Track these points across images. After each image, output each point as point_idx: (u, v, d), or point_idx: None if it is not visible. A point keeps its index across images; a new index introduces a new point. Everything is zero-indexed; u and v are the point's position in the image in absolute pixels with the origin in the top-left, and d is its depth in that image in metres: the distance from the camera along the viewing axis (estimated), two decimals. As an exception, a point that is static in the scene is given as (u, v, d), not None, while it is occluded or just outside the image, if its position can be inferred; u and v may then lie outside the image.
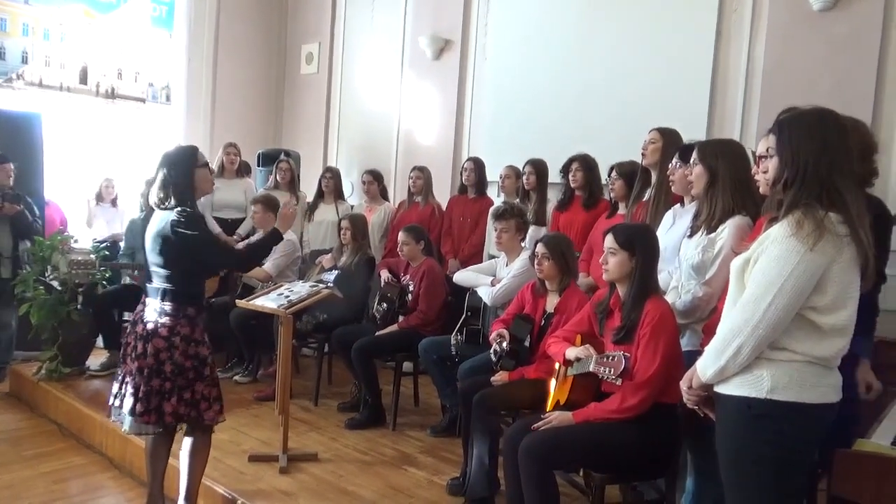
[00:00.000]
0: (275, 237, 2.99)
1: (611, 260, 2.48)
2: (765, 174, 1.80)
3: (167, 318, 2.65)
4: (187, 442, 2.76)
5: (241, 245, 4.89)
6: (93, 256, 4.59)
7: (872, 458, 1.80)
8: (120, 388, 2.72)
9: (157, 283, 2.69)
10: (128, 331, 2.76)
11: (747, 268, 1.71)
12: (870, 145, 2.27)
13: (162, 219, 2.67)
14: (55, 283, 4.52)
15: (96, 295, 4.68)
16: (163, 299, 2.65)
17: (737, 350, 1.67)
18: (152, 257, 2.70)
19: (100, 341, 4.87)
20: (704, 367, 1.76)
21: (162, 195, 2.67)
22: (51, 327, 4.51)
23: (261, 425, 3.87)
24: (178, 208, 2.65)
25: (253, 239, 4.97)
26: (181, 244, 2.62)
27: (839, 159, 1.66)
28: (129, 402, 2.64)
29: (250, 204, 4.99)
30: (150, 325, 2.65)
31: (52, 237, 4.67)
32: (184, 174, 2.70)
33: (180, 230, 2.61)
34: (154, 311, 2.66)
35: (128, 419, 2.67)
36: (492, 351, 3.09)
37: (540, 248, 3.14)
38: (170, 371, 2.64)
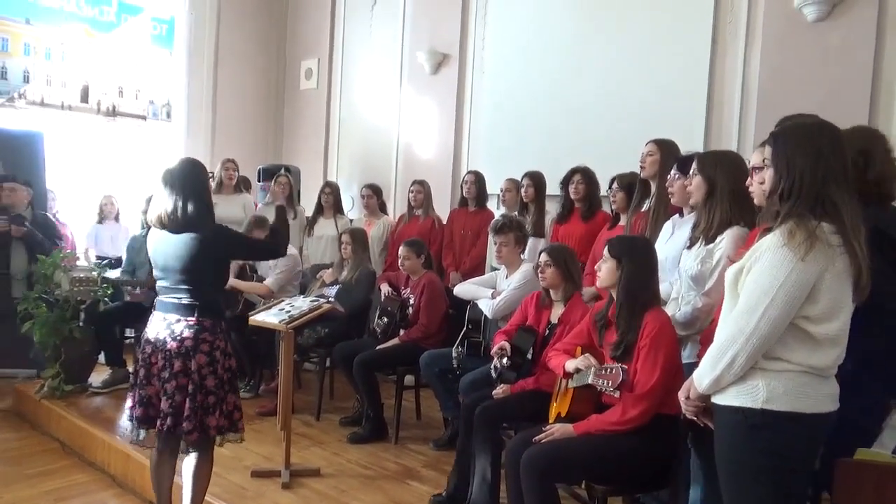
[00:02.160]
0: (280, 211, 3.17)
1: (603, 267, 2.55)
2: (761, 184, 1.81)
3: (206, 333, 2.64)
4: (191, 458, 2.73)
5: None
6: (94, 273, 4.61)
7: (873, 466, 1.80)
8: (146, 412, 2.65)
9: (188, 299, 2.65)
10: (148, 351, 2.69)
11: (741, 277, 1.72)
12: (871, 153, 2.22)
13: (191, 240, 2.62)
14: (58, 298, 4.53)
15: (98, 312, 4.69)
16: (199, 316, 2.64)
17: (731, 360, 1.68)
18: (184, 277, 2.64)
19: (102, 358, 4.89)
20: (700, 378, 1.77)
21: (177, 216, 2.61)
22: (53, 345, 4.52)
23: (263, 440, 3.87)
24: (208, 225, 2.66)
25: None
26: (226, 256, 2.74)
27: (834, 170, 1.67)
28: (168, 422, 2.60)
29: (250, 228, 4.99)
30: (188, 342, 2.61)
31: (53, 255, 4.69)
32: (204, 190, 2.72)
33: (225, 244, 2.72)
34: (188, 327, 2.62)
35: (168, 439, 2.65)
36: (492, 367, 3.09)
37: (543, 257, 3.16)
38: (213, 385, 2.64)
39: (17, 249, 4.84)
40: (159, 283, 2.76)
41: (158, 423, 2.63)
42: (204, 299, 2.67)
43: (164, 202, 2.64)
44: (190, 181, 2.67)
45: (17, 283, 4.81)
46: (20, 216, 4.81)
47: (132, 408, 2.70)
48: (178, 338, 2.62)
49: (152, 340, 2.68)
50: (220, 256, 2.72)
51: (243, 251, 2.91)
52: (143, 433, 2.68)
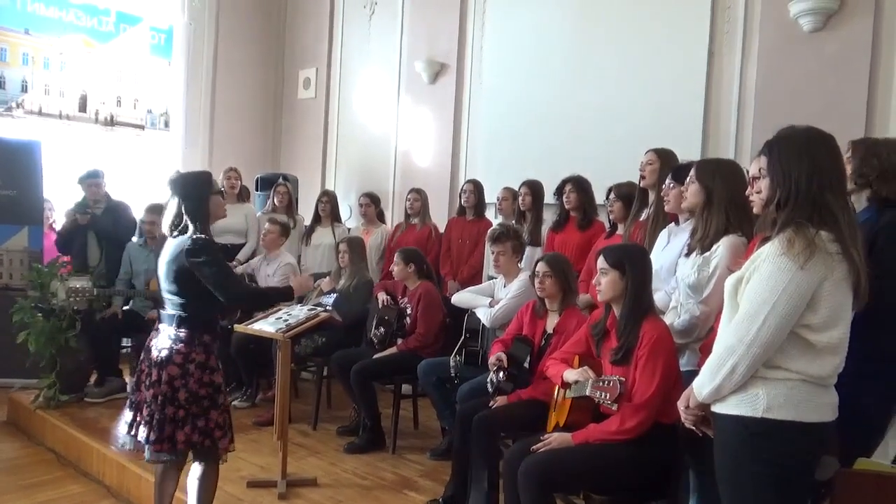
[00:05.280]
0: (286, 294, 2.98)
1: (603, 280, 2.50)
2: (758, 194, 1.82)
3: (182, 344, 2.59)
4: (195, 470, 2.69)
5: (239, 269, 4.92)
6: (91, 283, 4.59)
7: (873, 476, 1.80)
8: (134, 417, 2.65)
9: (171, 309, 2.65)
10: (141, 358, 2.70)
11: (740, 286, 1.72)
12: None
13: (175, 245, 2.64)
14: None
15: (95, 322, 4.67)
16: (178, 326, 2.61)
17: (731, 369, 1.68)
18: (166, 284, 2.66)
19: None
20: (700, 387, 1.77)
21: (177, 222, 2.65)
22: (49, 354, 4.50)
23: (259, 450, 3.85)
24: (193, 235, 2.62)
25: (253, 264, 4.99)
26: (195, 271, 2.59)
27: (830, 178, 1.67)
28: (144, 430, 2.58)
29: (266, 223, 5.01)
30: (164, 352, 2.59)
31: (50, 264, 4.68)
32: (200, 201, 2.68)
33: (194, 258, 2.57)
34: (168, 337, 2.62)
35: (146, 448, 2.60)
36: (488, 381, 3.08)
37: (541, 267, 3.15)
38: (184, 399, 2.57)
39: (91, 240, 4.99)
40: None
41: (126, 427, 2.64)
42: (186, 310, 2.63)
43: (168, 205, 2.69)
44: (186, 189, 2.68)
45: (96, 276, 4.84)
46: (84, 203, 4.93)
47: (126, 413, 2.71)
48: (159, 347, 2.63)
49: (146, 348, 2.69)
50: (186, 267, 2.59)
51: (213, 278, 2.60)
52: (130, 441, 2.67)
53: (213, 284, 2.61)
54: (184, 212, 2.64)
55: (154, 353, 2.63)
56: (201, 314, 2.68)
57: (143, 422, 2.60)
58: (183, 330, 2.61)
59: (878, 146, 2.35)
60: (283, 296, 3.02)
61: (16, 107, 6.01)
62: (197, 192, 2.70)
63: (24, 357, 4.57)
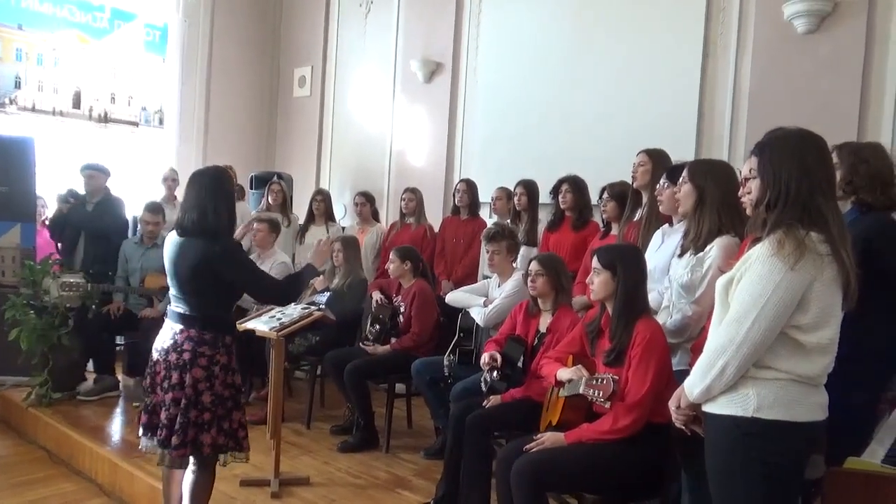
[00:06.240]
0: (311, 271, 2.90)
1: (595, 280, 2.51)
2: (749, 195, 1.82)
3: (206, 347, 2.54)
4: (191, 471, 2.63)
5: None
6: (84, 280, 4.58)
7: (863, 476, 1.81)
8: (150, 420, 2.60)
9: (190, 311, 2.58)
10: (154, 359, 2.62)
11: (731, 287, 1.72)
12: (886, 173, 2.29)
13: (198, 248, 2.54)
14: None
15: (88, 319, 4.65)
16: (201, 328, 2.55)
17: (722, 369, 1.69)
18: (186, 286, 2.58)
19: (91, 366, 4.84)
20: (691, 387, 1.78)
21: (202, 222, 2.54)
22: (41, 352, 4.48)
23: (252, 449, 3.76)
24: (222, 238, 2.56)
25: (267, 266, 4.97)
26: (225, 274, 2.54)
27: (820, 180, 1.68)
28: (162, 434, 2.52)
29: (254, 222, 4.98)
30: (186, 355, 2.52)
31: (42, 261, 4.66)
32: (229, 200, 2.63)
33: (225, 262, 2.53)
34: (189, 340, 2.54)
35: (164, 452, 2.55)
36: (482, 380, 3.08)
37: (534, 266, 3.16)
38: (209, 401, 2.52)
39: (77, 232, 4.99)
40: (171, 292, 2.69)
41: (159, 433, 2.57)
42: (206, 312, 2.57)
43: (183, 204, 2.62)
44: (210, 188, 2.60)
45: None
46: (71, 193, 4.90)
47: (140, 415, 2.66)
48: (179, 349, 2.55)
49: (158, 349, 2.62)
50: (222, 275, 2.54)
51: (246, 281, 2.63)
52: (150, 443, 2.62)
53: (249, 285, 2.65)
54: (211, 212, 2.55)
55: (173, 356, 2.55)
56: (224, 316, 2.66)
57: (160, 425, 2.54)
58: (207, 332, 2.56)
59: (863, 152, 2.37)
60: (309, 274, 2.91)
61: (9, 103, 5.98)
62: (226, 192, 2.65)
63: (16, 354, 4.56)
